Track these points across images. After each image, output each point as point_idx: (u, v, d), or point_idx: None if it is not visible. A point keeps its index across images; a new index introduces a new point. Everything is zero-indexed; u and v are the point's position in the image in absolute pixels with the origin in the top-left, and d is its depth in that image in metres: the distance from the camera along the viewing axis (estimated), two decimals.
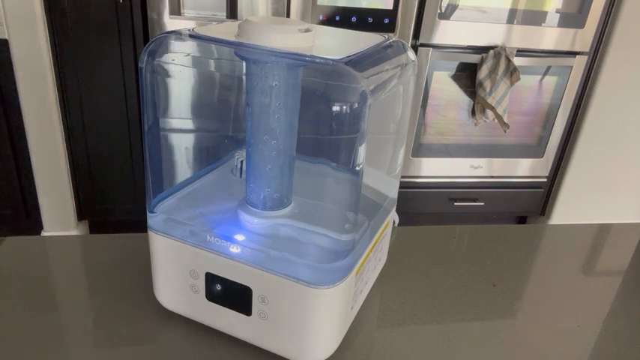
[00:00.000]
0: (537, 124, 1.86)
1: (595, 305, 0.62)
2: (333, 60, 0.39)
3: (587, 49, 1.73)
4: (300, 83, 0.45)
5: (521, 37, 1.67)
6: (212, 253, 0.46)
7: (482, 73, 1.66)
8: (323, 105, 0.40)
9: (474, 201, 1.93)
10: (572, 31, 1.69)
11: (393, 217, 0.61)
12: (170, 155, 0.54)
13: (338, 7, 1.53)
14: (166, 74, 0.48)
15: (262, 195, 0.49)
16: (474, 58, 1.67)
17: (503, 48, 1.64)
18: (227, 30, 0.45)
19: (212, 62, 0.49)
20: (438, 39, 1.63)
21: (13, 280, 0.57)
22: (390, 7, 1.55)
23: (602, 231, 0.82)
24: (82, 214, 1.77)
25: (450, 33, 1.63)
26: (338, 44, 0.50)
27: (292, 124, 0.46)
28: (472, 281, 0.63)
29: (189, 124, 0.55)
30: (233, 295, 0.47)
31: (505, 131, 1.75)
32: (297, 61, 0.42)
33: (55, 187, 1.67)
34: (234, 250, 0.46)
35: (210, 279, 0.47)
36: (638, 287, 0.66)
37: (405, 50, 0.52)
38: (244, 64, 0.45)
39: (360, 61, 0.41)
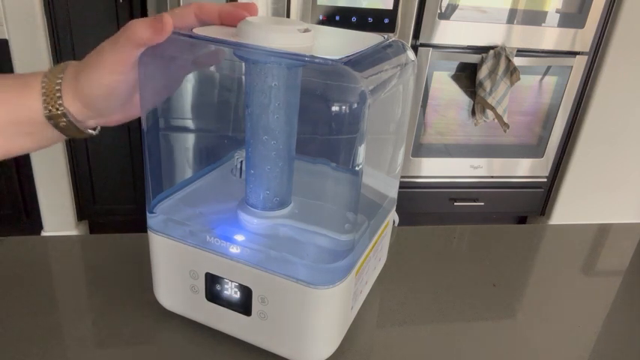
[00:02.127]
0: (537, 124, 1.86)
1: (595, 305, 0.62)
2: (332, 60, 0.39)
3: (587, 49, 1.73)
4: (299, 83, 0.45)
5: (521, 37, 1.67)
6: (212, 254, 0.46)
7: (482, 73, 1.66)
8: (322, 105, 0.40)
9: (474, 201, 1.93)
10: (572, 31, 1.69)
11: (393, 217, 0.61)
12: (170, 155, 0.54)
13: (338, 7, 1.53)
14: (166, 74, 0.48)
15: (262, 195, 0.49)
16: (474, 58, 1.67)
17: (503, 48, 1.64)
18: (226, 30, 0.45)
19: None
20: (438, 39, 1.63)
21: (13, 280, 0.57)
22: (390, 7, 1.55)
23: (602, 231, 0.82)
24: (82, 214, 1.77)
25: (450, 33, 1.63)
26: (337, 44, 0.50)
27: (292, 125, 0.46)
28: (472, 281, 0.63)
29: (188, 125, 0.55)
30: (233, 296, 0.47)
31: (505, 131, 1.75)
32: (297, 61, 0.42)
33: (55, 187, 1.67)
34: (234, 250, 0.46)
35: (210, 279, 0.47)
36: (638, 287, 0.66)
37: (404, 50, 0.52)
38: (244, 64, 0.45)
39: (360, 61, 0.41)
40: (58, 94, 0.41)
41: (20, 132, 0.42)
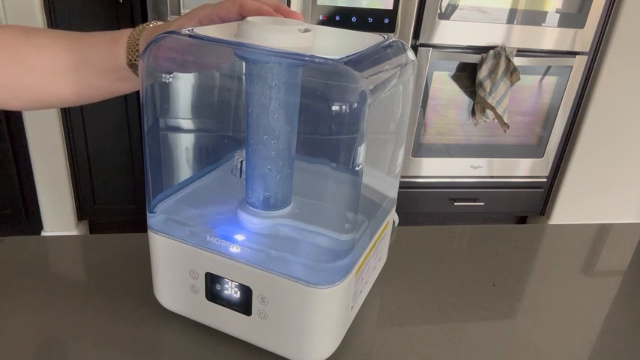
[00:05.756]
0: (537, 124, 1.86)
1: (595, 305, 0.62)
2: (332, 60, 0.39)
3: (587, 49, 1.73)
4: (299, 83, 0.45)
5: (521, 37, 1.67)
6: (212, 253, 0.46)
7: (483, 73, 1.66)
8: (322, 105, 0.40)
9: (474, 201, 1.93)
10: (572, 31, 1.69)
11: (393, 217, 0.61)
12: (170, 155, 0.54)
13: (338, 7, 1.53)
14: (166, 74, 0.48)
15: (262, 195, 0.49)
16: (474, 58, 1.67)
17: (503, 48, 1.64)
18: (227, 30, 0.45)
19: None
20: (438, 39, 1.63)
21: (13, 280, 0.57)
22: (390, 7, 1.55)
23: (602, 231, 0.82)
24: (82, 214, 1.77)
25: (450, 33, 1.63)
26: (337, 44, 0.50)
27: (292, 124, 0.46)
28: (472, 281, 0.63)
29: (189, 125, 0.55)
30: (233, 295, 0.47)
31: (505, 131, 1.75)
32: (297, 61, 0.42)
33: (55, 187, 1.67)
34: (234, 250, 0.46)
35: (210, 279, 0.47)
36: (638, 287, 0.66)
37: (404, 50, 0.52)
38: (244, 64, 0.45)
39: (360, 61, 0.41)
40: (137, 47, 0.48)
41: (117, 77, 0.51)
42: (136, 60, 0.49)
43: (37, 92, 0.51)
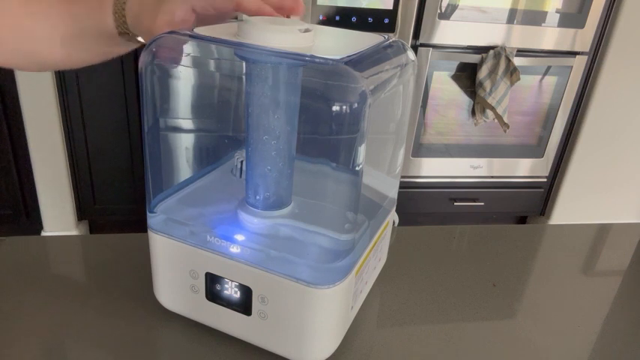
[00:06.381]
0: (537, 124, 1.86)
1: (595, 305, 0.62)
2: (332, 60, 0.39)
3: (587, 49, 1.73)
4: (299, 83, 0.45)
5: (521, 37, 1.67)
6: (212, 253, 0.46)
7: (483, 73, 1.66)
8: (323, 105, 0.40)
9: (474, 201, 1.93)
10: (572, 31, 1.69)
11: (393, 217, 0.61)
12: (170, 155, 0.54)
13: (338, 7, 1.53)
14: (166, 74, 0.48)
15: (262, 195, 0.49)
16: (474, 58, 1.67)
17: (503, 48, 1.64)
18: (227, 30, 0.45)
19: (212, 62, 0.49)
20: (438, 39, 1.63)
21: (13, 280, 0.57)
22: (390, 7, 1.55)
23: (602, 231, 0.82)
24: (82, 214, 1.77)
25: (450, 33, 1.63)
26: (338, 44, 0.50)
27: (292, 124, 0.46)
28: (472, 281, 0.63)
29: (189, 125, 0.55)
30: (233, 295, 0.47)
31: (505, 131, 1.75)
32: (297, 61, 0.42)
33: (55, 187, 1.67)
34: (234, 250, 0.46)
35: (210, 279, 0.47)
36: (638, 287, 0.66)
37: (404, 50, 0.52)
38: (244, 64, 0.45)
39: (360, 61, 0.41)
40: (124, 18, 0.48)
41: (113, 43, 0.51)
42: (126, 30, 0.49)
43: (36, 56, 0.53)
